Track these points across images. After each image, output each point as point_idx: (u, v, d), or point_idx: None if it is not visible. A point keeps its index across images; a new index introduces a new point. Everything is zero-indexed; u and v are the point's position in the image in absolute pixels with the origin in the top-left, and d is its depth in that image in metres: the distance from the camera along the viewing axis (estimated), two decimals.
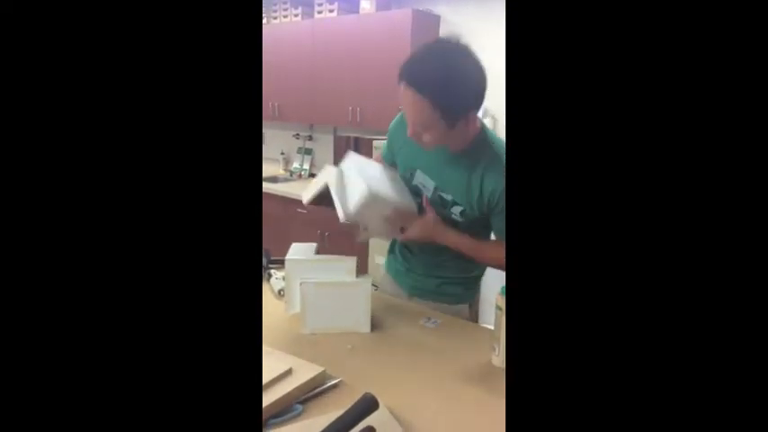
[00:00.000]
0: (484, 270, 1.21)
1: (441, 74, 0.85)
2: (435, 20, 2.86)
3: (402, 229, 1.04)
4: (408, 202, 1.05)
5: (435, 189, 1.06)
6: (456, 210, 1.05)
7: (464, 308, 1.18)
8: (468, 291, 1.18)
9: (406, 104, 0.91)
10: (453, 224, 1.06)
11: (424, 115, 0.89)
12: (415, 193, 1.10)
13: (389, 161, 1.18)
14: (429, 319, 1.08)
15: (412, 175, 1.10)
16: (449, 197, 1.04)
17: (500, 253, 1.00)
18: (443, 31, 2.87)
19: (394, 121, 1.14)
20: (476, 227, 1.06)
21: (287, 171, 3.83)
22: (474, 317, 1.22)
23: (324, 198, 1.02)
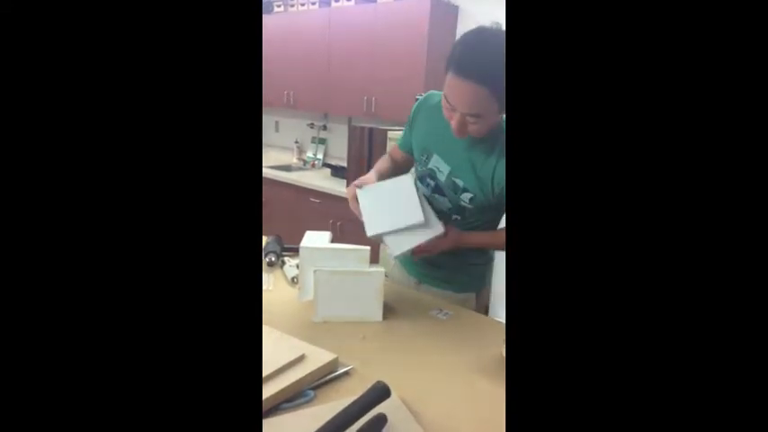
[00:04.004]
0: (489, 260, 1.24)
1: (496, 61, 0.83)
2: (454, 10, 2.83)
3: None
4: (414, 216, 1.04)
5: (450, 174, 1.08)
6: (466, 196, 1.07)
7: (470, 296, 1.20)
8: (474, 280, 1.21)
9: (462, 97, 0.90)
10: (461, 210, 1.10)
11: (481, 105, 0.90)
12: (430, 176, 1.12)
13: (406, 146, 1.21)
14: (441, 310, 1.08)
15: (428, 159, 1.12)
16: (460, 183, 1.07)
17: None
18: (461, 22, 2.84)
19: (416, 104, 1.16)
20: (483, 213, 1.10)
21: (300, 160, 3.85)
22: (481, 308, 1.23)
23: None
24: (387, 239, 1.04)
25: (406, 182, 1.06)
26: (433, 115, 1.10)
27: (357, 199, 1.05)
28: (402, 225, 1.02)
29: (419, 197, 1.04)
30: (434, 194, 1.12)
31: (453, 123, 0.94)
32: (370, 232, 1.02)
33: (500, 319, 1.07)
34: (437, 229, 1.03)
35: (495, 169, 1.01)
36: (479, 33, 0.89)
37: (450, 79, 0.90)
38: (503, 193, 1.02)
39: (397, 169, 1.24)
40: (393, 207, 1.04)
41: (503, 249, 1.15)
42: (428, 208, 1.05)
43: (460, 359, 0.88)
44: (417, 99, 1.18)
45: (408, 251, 1.04)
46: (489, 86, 0.86)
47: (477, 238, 1.12)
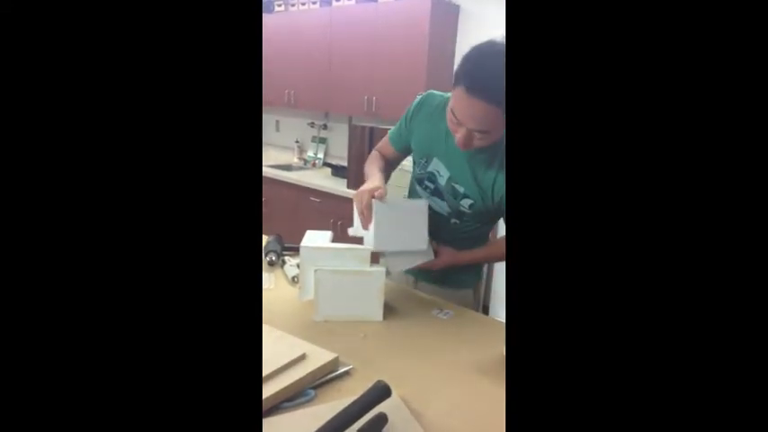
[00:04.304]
0: None
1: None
2: (454, 10, 2.83)
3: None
4: (419, 242, 1.05)
5: (449, 179, 1.08)
6: (465, 202, 1.07)
7: (468, 293, 1.22)
8: (470, 276, 1.22)
9: (472, 115, 0.88)
10: (460, 214, 1.10)
11: (490, 123, 0.88)
12: (430, 179, 1.11)
13: (400, 144, 1.19)
14: (441, 309, 1.08)
15: (428, 162, 1.12)
16: (461, 189, 1.07)
17: (503, 249, 1.09)
18: (462, 22, 2.84)
19: (414, 103, 1.15)
20: (482, 217, 1.11)
21: (301, 159, 3.85)
22: (478, 304, 1.25)
23: None
24: (385, 256, 1.06)
25: (422, 206, 1.06)
26: (433, 118, 1.09)
27: (370, 208, 1.01)
28: (407, 249, 1.05)
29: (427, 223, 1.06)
30: (433, 197, 1.12)
31: (459, 137, 0.93)
32: (376, 247, 1.01)
33: (501, 319, 1.07)
34: (429, 254, 1.08)
35: (496, 180, 1.01)
36: (490, 48, 0.86)
37: (460, 96, 0.88)
38: (502, 201, 1.03)
39: (388, 166, 1.23)
40: (403, 228, 1.04)
41: (496, 261, 1.19)
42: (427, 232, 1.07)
43: (461, 359, 0.88)
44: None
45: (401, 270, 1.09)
46: (500, 105, 0.85)
47: (469, 255, 1.13)
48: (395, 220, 1.03)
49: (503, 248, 1.11)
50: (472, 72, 0.86)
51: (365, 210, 1.01)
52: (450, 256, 1.11)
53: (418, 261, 1.08)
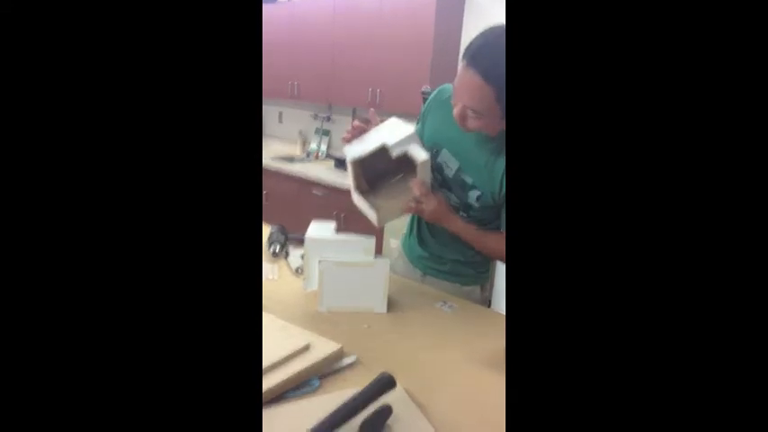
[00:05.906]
0: None
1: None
2: (460, 0, 2.80)
3: (417, 204, 1.04)
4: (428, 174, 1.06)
5: (458, 170, 1.07)
6: (473, 194, 1.06)
7: (475, 289, 1.21)
8: (479, 273, 1.21)
9: (466, 88, 0.90)
10: (467, 208, 1.08)
11: (484, 103, 0.89)
12: (438, 170, 1.11)
13: (421, 136, 1.19)
14: (445, 302, 1.08)
15: (437, 153, 1.11)
16: (469, 180, 1.06)
17: (500, 245, 1.04)
18: (468, 12, 2.82)
19: (428, 99, 1.16)
20: (487, 215, 1.09)
21: (304, 152, 3.84)
22: (485, 301, 1.24)
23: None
24: (378, 206, 1.05)
25: (408, 126, 1.06)
26: (443, 110, 1.09)
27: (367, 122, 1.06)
28: (402, 136, 1.01)
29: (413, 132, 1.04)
30: (442, 189, 1.12)
31: (454, 111, 0.95)
32: (392, 143, 1.01)
33: (504, 312, 1.07)
34: (425, 172, 1.02)
35: (503, 177, 1.01)
36: (501, 30, 0.87)
37: (461, 68, 0.90)
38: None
39: None
40: (393, 132, 1.05)
41: (486, 252, 1.12)
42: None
43: (465, 351, 0.88)
44: (423, 92, 1.17)
45: (401, 151, 1.01)
46: (495, 86, 0.85)
47: (462, 226, 1.06)
48: (385, 129, 1.07)
49: (498, 244, 1.07)
50: (476, 46, 0.88)
51: (372, 117, 1.08)
52: (441, 205, 1.04)
53: (411, 203, 1.03)
